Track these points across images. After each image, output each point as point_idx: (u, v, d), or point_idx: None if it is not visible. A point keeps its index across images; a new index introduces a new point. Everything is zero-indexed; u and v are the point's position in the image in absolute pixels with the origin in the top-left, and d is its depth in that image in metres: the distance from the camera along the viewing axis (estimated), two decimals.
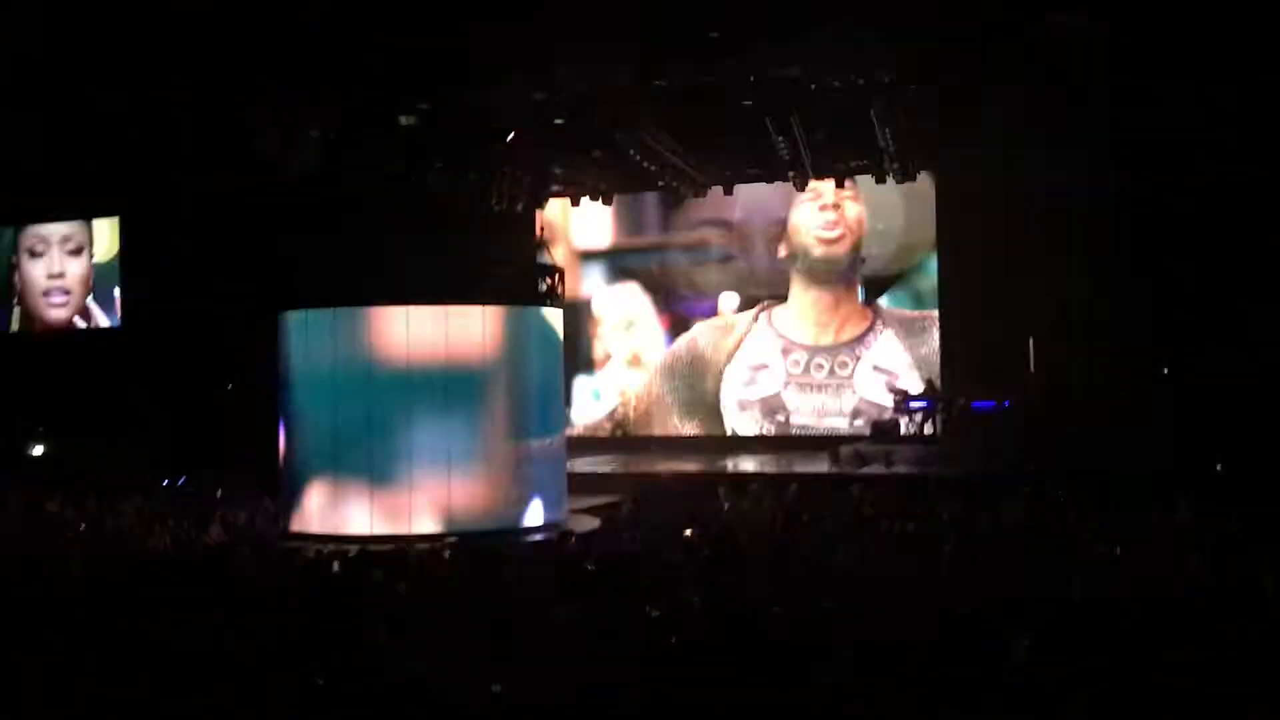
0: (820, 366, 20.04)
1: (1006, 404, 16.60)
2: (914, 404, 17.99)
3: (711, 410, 20.57)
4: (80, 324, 22.65)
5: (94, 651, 7.07)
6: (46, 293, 22.73)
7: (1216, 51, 14.65)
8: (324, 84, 15.42)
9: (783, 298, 20.49)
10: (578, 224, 21.89)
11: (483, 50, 14.53)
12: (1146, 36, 14.57)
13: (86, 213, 22.57)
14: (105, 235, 22.54)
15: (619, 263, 21.72)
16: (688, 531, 10.76)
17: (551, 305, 13.93)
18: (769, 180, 20.23)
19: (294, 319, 13.30)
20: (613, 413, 21.35)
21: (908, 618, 6.92)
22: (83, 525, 12.44)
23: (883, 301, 19.94)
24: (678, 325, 21.27)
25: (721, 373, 20.55)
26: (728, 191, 20.29)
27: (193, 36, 15.69)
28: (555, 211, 21.72)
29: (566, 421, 14.39)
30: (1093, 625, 6.74)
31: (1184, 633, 6.56)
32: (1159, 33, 14.49)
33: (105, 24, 15.91)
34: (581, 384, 21.49)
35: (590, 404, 21.45)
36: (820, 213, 20.18)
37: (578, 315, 21.12)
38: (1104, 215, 16.45)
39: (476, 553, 9.66)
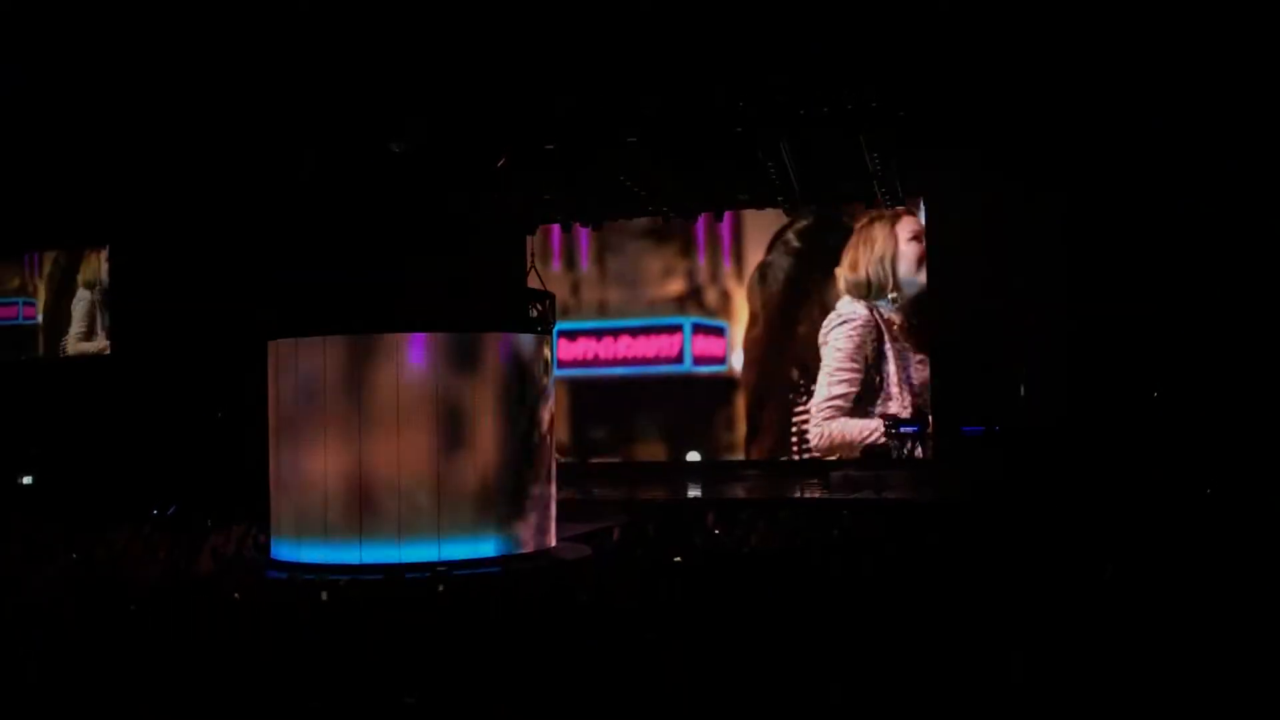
0: None
1: (996, 429, 16.63)
2: (904, 429, 18.00)
3: None
4: None
5: (86, 678, 7.06)
6: None
7: (1197, 82, 14.74)
8: (315, 108, 15.45)
9: None
10: None
11: (472, 75, 14.58)
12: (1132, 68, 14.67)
13: (78, 241, 22.61)
14: None
15: None
16: (677, 559, 10.75)
17: (542, 331, 13.91)
18: (759, 206, 20.35)
19: (284, 346, 13.28)
20: None
21: (901, 641, 6.93)
22: (74, 554, 12.39)
23: None
24: None
25: None
26: (717, 217, 20.42)
27: (183, 63, 15.71)
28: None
29: (555, 448, 14.35)
30: (1085, 646, 6.76)
31: (1177, 653, 6.59)
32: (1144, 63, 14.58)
33: (94, 53, 15.92)
34: None
35: None
36: None
37: None
38: (1095, 238, 16.53)
39: (466, 583, 9.64)
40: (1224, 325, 15.82)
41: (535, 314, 13.82)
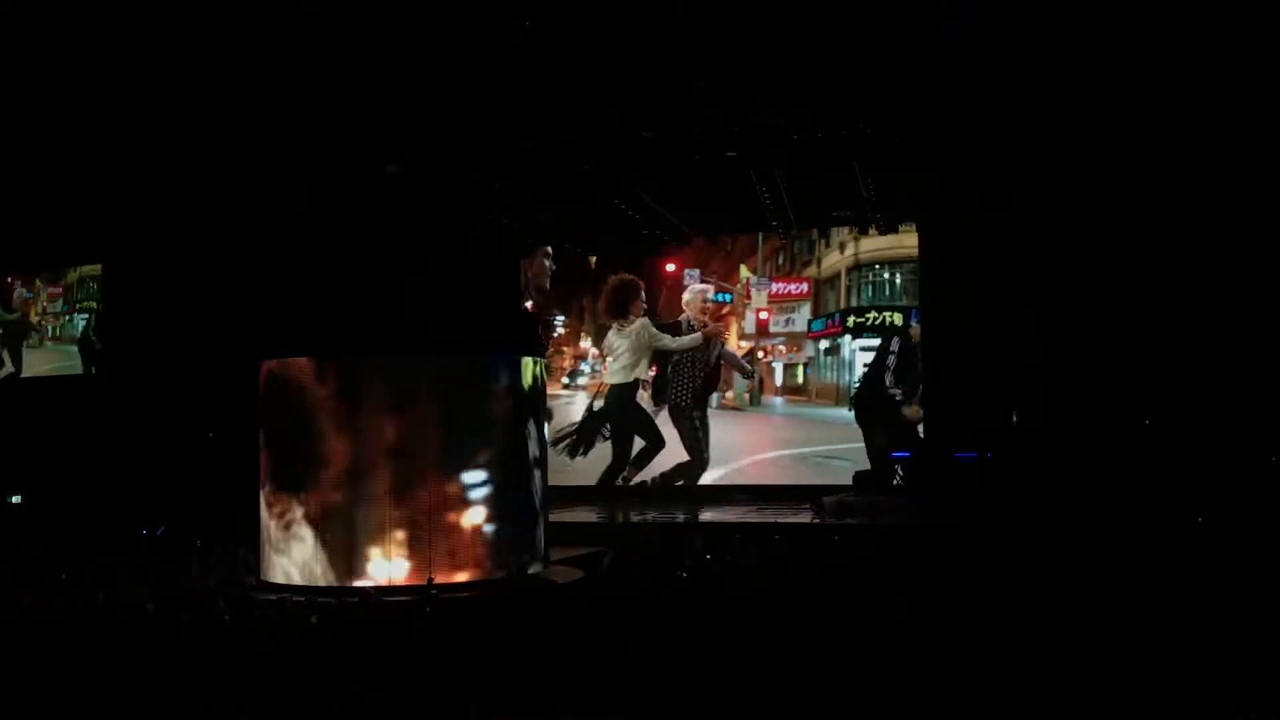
0: None
1: (989, 455, 16.61)
2: (896, 454, 17.99)
3: None
4: None
5: (75, 701, 7.02)
6: None
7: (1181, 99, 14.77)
8: (310, 131, 15.45)
9: None
10: None
11: (469, 99, 14.60)
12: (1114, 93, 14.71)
13: (68, 260, 22.62)
14: None
15: None
16: (676, 577, 10.73)
17: (535, 353, 13.91)
18: (753, 230, 20.43)
19: (279, 367, 13.24)
20: None
21: (895, 670, 6.91)
22: (62, 574, 12.33)
23: None
24: None
25: None
26: (712, 241, 20.51)
27: (176, 80, 15.71)
28: None
29: (547, 470, 14.29)
30: (1079, 676, 6.75)
31: (1169, 681, 6.58)
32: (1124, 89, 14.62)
33: (88, 69, 15.92)
34: None
35: None
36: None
37: None
38: (1088, 265, 16.56)
39: (459, 605, 9.61)
40: (1217, 351, 15.83)
41: (529, 335, 13.82)
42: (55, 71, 15.82)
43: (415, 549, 12.59)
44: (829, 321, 20.20)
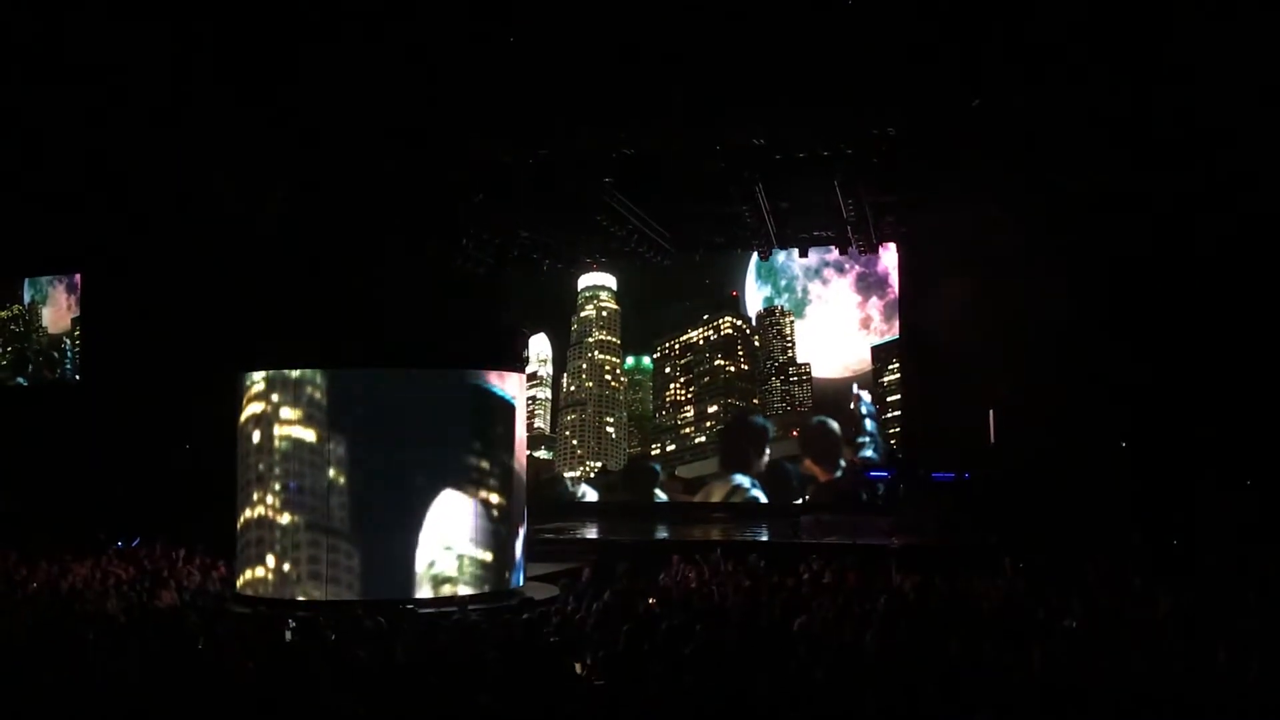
0: None
1: (966, 476, 16.65)
2: (875, 474, 18.02)
3: None
4: None
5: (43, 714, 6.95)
6: None
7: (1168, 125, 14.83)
8: (289, 144, 15.39)
9: None
10: None
11: (448, 113, 14.58)
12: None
13: (47, 269, 22.51)
14: None
15: None
16: (651, 600, 10.67)
17: (513, 368, 13.86)
18: (733, 248, 20.45)
19: (253, 380, 13.18)
20: None
21: (869, 692, 6.89)
22: (34, 584, 12.21)
23: None
24: None
25: None
26: (692, 258, 20.52)
27: (157, 93, 15.64)
28: None
29: (525, 487, 14.23)
30: (1051, 700, 6.74)
31: (1141, 707, 6.59)
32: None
33: (66, 81, 15.84)
34: None
35: None
36: None
37: None
38: (1065, 290, 16.61)
39: (433, 621, 9.57)
40: (1195, 376, 15.88)
41: (508, 351, 13.79)
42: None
43: (393, 563, 12.55)
44: None
